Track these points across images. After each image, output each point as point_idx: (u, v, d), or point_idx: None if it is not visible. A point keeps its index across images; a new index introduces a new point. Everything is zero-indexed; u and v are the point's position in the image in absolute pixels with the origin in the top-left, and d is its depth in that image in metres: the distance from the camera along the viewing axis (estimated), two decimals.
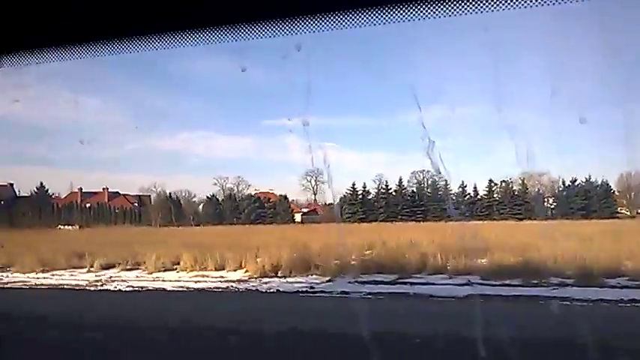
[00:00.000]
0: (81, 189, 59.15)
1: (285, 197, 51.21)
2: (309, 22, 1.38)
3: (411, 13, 1.29)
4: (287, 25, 1.40)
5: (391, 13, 1.30)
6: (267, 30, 1.40)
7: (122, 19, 1.52)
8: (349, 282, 10.84)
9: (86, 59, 1.59)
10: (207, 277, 13.07)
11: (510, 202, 48.49)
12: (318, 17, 1.36)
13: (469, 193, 49.36)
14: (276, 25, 1.39)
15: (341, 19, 1.34)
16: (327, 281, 11.40)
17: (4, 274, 15.43)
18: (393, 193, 49.75)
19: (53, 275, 15.04)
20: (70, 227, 54.22)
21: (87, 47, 1.58)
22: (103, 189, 59.51)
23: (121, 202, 59.39)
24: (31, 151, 62.28)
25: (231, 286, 11.68)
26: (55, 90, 53.28)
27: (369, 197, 50.27)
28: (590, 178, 46.32)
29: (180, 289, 11.79)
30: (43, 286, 12.76)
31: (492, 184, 48.98)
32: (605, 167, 53.03)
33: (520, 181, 50.17)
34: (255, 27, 1.41)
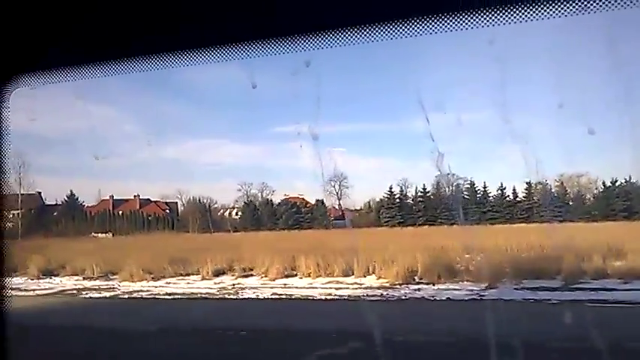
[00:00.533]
0: (112, 196, 58.85)
1: (322, 202, 50.82)
2: (319, 39, 1.38)
3: (419, 28, 1.29)
4: (296, 42, 1.40)
5: (399, 28, 1.31)
6: (276, 47, 1.41)
7: (133, 39, 1.54)
8: (515, 288, 10.44)
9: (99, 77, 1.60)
10: (341, 283, 12.69)
11: (550, 205, 48.00)
12: (328, 34, 1.37)
13: (507, 196, 48.87)
14: (285, 42, 1.41)
15: (350, 35, 1.35)
16: (487, 287, 11.00)
17: (112, 283, 15.08)
18: (431, 197, 49.24)
19: (168, 284, 14.68)
20: (103, 235, 53.99)
21: (99, 66, 1.60)
22: (134, 196, 59.30)
23: (153, 209, 59.11)
24: (43, 162, 61.62)
25: (384, 294, 11.29)
26: (70, 103, 53.28)
27: (407, 201, 49.73)
28: (630, 179, 45.82)
29: (331, 297, 11.40)
30: (176, 296, 12.38)
31: (531, 187, 48.50)
32: None
33: (557, 183, 49.74)
34: (263, 45, 1.43)
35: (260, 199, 53.61)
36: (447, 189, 52.92)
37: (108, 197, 58.83)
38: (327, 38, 1.38)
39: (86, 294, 13.20)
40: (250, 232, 43.12)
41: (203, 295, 12.61)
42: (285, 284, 13.58)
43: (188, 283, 14.83)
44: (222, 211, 59.02)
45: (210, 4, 1.44)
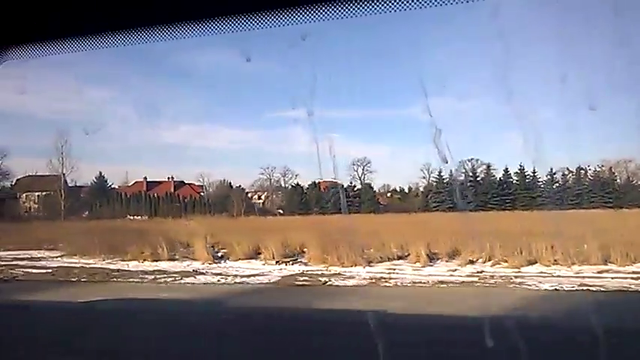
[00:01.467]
0: (145, 178, 57.20)
1: (370, 185, 49.95)
2: (314, 11, 1.37)
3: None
4: (292, 15, 1.38)
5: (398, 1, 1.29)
6: (272, 20, 1.39)
7: (126, 10, 1.51)
8: None
9: (92, 51, 1.60)
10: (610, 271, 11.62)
11: (601, 190, 47.77)
12: (323, 6, 1.35)
13: (557, 181, 48.47)
14: (281, 14, 1.38)
15: (346, 7, 1.33)
16: None
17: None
18: (481, 182, 48.68)
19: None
20: (139, 217, 52.42)
21: (91, 39, 1.57)
22: (168, 178, 57.87)
23: (187, 191, 57.77)
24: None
25: None
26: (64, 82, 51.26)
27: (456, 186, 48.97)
28: None
29: None
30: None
31: (581, 172, 48.17)
32: None
33: (599, 169, 49.65)
34: (259, 17, 1.40)
35: (283, 184, 53.32)
36: (470, 174, 52.69)
37: (142, 179, 57.05)
38: (322, 10, 1.35)
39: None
40: (310, 216, 41.79)
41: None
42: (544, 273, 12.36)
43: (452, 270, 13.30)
44: (250, 194, 57.92)
45: None
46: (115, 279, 12.11)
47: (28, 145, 63.80)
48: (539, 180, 49.23)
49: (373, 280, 11.39)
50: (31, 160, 59.61)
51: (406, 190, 54.38)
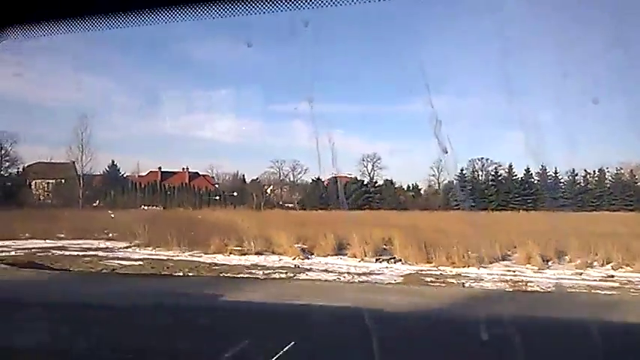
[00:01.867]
0: (160, 168, 56.23)
1: (391, 182, 49.58)
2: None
3: None
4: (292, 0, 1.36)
5: None
6: (271, 4, 1.37)
7: None
8: None
9: (91, 33, 1.57)
10: None
11: (622, 193, 47.82)
12: None
13: (579, 182, 48.47)
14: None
15: None
16: None
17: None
18: (503, 181, 48.50)
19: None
20: (153, 208, 51.54)
21: (89, 20, 1.54)
22: (183, 169, 56.98)
23: (202, 182, 57.05)
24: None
25: None
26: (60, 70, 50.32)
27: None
28: None
29: None
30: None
31: (603, 174, 48.20)
32: None
33: (617, 172, 49.79)
34: (257, 2, 1.38)
35: (292, 178, 53.21)
36: (480, 173, 52.57)
37: (156, 169, 56.06)
38: None
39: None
40: (334, 212, 41.11)
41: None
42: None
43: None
44: (265, 187, 57.25)
45: None
46: (224, 273, 11.48)
47: (35, 131, 62.26)
48: (561, 181, 49.11)
49: (512, 284, 10.92)
50: (37, 147, 57.83)
51: (419, 188, 53.82)
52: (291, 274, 11.25)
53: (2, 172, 57.91)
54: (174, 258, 13.79)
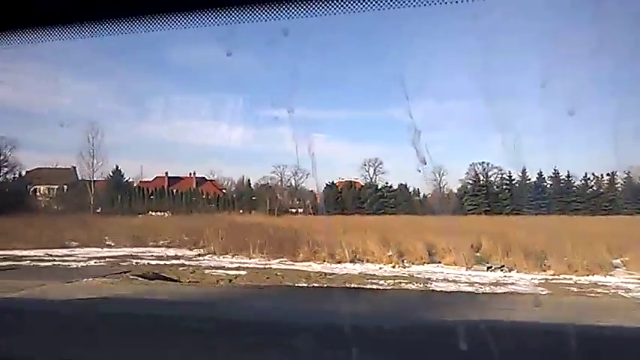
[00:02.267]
0: (167, 173, 55.19)
1: (405, 186, 49.25)
2: (298, 7, 1.38)
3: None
4: (276, 10, 1.40)
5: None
6: (255, 14, 1.42)
7: (102, 1, 1.52)
8: None
9: (80, 40, 1.60)
10: None
11: (633, 196, 48.27)
12: (306, 3, 1.36)
13: (592, 187, 48.81)
14: (265, 9, 1.40)
15: (330, 4, 1.35)
16: None
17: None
18: (517, 185, 48.57)
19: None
20: (160, 214, 50.40)
21: (74, 28, 1.56)
22: (190, 174, 55.99)
23: (209, 188, 56.08)
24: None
25: None
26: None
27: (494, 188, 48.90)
28: None
29: None
30: None
31: (614, 177, 48.63)
32: None
33: (625, 175, 50.38)
34: (242, 10, 1.42)
35: (294, 182, 52.89)
36: (483, 178, 52.71)
37: (163, 174, 54.93)
38: (306, 6, 1.36)
39: None
40: (349, 216, 40.44)
41: None
42: None
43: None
44: (276, 192, 56.42)
45: None
46: (347, 283, 10.66)
47: (38, 137, 60.60)
48: (574, 184, 49.41)
49: None
50: (40, 153, 56.33)
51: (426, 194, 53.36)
52: (420, 285, 10.53)
53: (1, 178, 56.21)
54: (273, 267, 12.97)
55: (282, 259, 14.36)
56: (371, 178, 53.46)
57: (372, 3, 1.29)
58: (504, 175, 49.72)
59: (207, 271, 11.82)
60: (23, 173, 51.56)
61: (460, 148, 59.47)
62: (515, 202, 48.29)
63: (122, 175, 54.17)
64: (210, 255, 15.69)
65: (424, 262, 14.12)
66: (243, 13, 1.40)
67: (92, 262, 13.31)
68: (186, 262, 13.79)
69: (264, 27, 1.43)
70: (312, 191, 54.72)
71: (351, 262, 13.83)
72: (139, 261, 13.92)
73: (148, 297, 6.92)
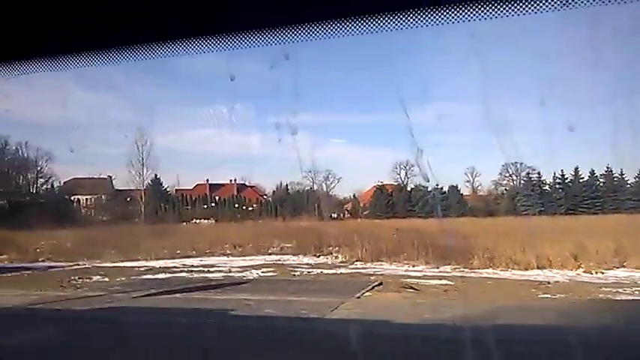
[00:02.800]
0: (208, 180, 54.07)
1: (456, 187, 48.04)
2: (301, 31, 1.41)
3: (401, 21, 1.30)
4: (278, 35, 1.43)
5: (380, 21, 1.32)
6: (258, 40, 1.44)
7: (113, 30, 1.55)
8: None
9: (81, 69, 1.65)
10: None
11: None
12: (310, 26, 1.39)
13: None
14: (267, 34, 1.43)
15: (332, 27, 1.37)
16: None
17: None
18: (570, 184, 47.30)
19: None
20: (206, 221, 49.49)
21: (82, 57, 1.60)
22: (231, 181, 54.84)
23: (250, 194, 54.76)
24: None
25: None
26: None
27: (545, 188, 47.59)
28: None
29: None
30: None
31: None
32: None
33: None
34: (245, 36, 1.45)
35: (325, 188, 52.55)
36: (514, 178, 51.55)
37: (204, 182, 53.82)
38: (309, 30, 1.39)
39: None
40: (417, 220, 39.22)
41: None
42: None
43: None
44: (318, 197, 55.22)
45: None
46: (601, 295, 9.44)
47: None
48: (628, 183, 48.14)
49: None
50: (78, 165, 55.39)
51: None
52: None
53: (37, 189, 55.43)
54: (467, 275, 11.75)
55: (455, 267, 13.11)
56: (402, 181, 52.47)
57: (371, 26, 1.29)
58: (569, 175, 48.77)
59: (416, 281, 10.62)
60: (57, 184, 50.74)
61: (488, 149, 58.02)
62: (569, 202, 47.01)
63: (161, 184, 53.22)
64: (359, 262, 14.45)
65: (613, 267, 12.85)
66: (248, 38, 1.42)
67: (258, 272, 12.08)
68: (362, 271, 12.58)
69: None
70: (354, 196, 53.78)
71: (538, 268, 12.57)
72: (311, 270, 12.68)
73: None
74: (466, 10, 1.20)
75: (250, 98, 51.45)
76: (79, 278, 12.69)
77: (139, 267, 13.62)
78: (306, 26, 1.35)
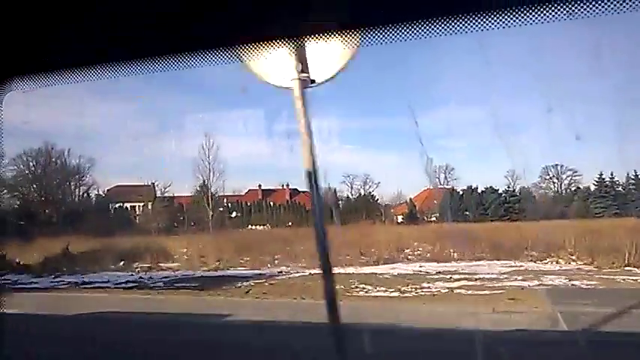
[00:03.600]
0: (260, 186, 51.69)
1: (529, 191, 45.78)
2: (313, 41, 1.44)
3: (406, 32, 1.33)
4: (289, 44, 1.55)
5: (384, 33, 1.35)
6: (270, 49, 1.46)
7: (127, 43, 1.57)
8: None
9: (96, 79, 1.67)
10: None
11: None
12: (322, 36, 1.42)
13: None
14: (279, 43, 1.45)
15: (346, 38, 1.40)
16: None
17: None
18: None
19: None
20: (261, 227, 47.40)
21: (97, 69, 1.63)
22: (282, 186, 52.49)
23: (303, 199, 52.11)
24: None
25: None
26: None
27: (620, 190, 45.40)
28: None
29: None
30: None
31: None
32: None
33: None
34: (258, 46, 1.47)
35: (363, 192, 50.93)
36: (555, 181, 49.70)
37: (256, 187, 51.49)
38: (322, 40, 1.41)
39: None
40: (498, 223, 36.86)
41: None
42: None
43: None
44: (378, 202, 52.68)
45: (205, 6, 1.47)
46: None
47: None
48: None
49: None
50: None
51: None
52: None
53: (80, 197, 53.08)
54: None
55: None
56: (442, 185, 50.48)
57: (379, 37, 1.32)
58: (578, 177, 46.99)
59: None
60: (96, 192, 48.35)
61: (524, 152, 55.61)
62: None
63: (208, 190, 50.81)
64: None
65: None
66: (258, 48, 1.43)
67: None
68: None
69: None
70: (410, 199, 51.46)
71: None
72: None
73: None
74: (475, 19, 1.23)
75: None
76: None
77: (382, 273, 11.56)
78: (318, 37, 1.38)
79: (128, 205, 50.04)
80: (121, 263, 21.43)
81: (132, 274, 19.97)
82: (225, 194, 51.73)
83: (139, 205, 49.82)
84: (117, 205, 49.72)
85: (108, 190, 50.15)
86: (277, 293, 12.32)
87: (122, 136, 55.26)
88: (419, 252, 16.17)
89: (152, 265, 21.23)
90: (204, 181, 44.46)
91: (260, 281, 14.82)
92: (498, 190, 46.08)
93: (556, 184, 50.41)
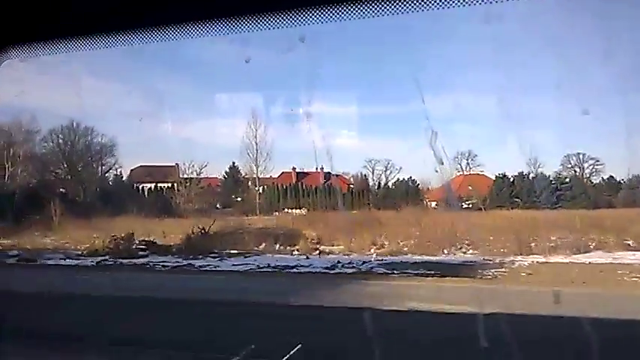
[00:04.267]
0: (294, 168, 48.98)
1: (577, 177, 43.39)
2: (315, 14, 1.37)
3: (416, 4, 1.27)
4: (292, 17, 1.38)
5: (395, 4, 1.29)
6: (272, 21, 1.40)
7: (129, 12, 1.51)
8: None
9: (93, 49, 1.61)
10: None
11: None
12: (324, 9, 1.36)
13: None
14: (281, 16, 1.39)
15: (346, 10, 1.34)
16: None
17: None
18: None
19: None
20: (297, 211, 45.27)
21: (96, 39, 1.59)
22: (316, 169, 49.66)
23: (337, 182, 49.36)
24: None
25: None
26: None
27: None
28: None
29: None
30: None
31: None
32: None
33: None
34: (260, 18, 1.41)
35: (385, 178, 50.04)
36: (576, 170, 47.75)
37: (290, 169, 48.76)
38: (323, 13, 1.34)
39: None
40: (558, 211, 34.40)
41: None
42: None
43: None
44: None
45: None
46: None
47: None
48: None
49: None
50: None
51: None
52: None
53: (103, 176, 50.35)
54: None
55: None
56: (463, 171, 48.41)
57: (386, 9, 1.27)
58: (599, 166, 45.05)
59: None
60: (117, 172, 46.49)
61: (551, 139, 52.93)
62: None
63: (239, 172, 48.23)
64: None
65: None
66: (261, 20, 1.39)
67: None
68: None
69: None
70: (443, 185, 49.13)
71: None
72: None
73: None
74: None
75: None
76: None
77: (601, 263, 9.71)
78: (321, 9, 1.32)
79: (151, 185, 47.38)
80: (262, 246, 19.98)
81: (307, 257, 18.84)
82: (275, 176, 49.18)
83: (159, 186, 47.14)
84: (140, 186, 47.17)
85: (132, 170, 47.58)
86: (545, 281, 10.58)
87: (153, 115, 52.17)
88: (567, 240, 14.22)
89: (303, 249, 19.37)
90: (177, 165, 42.19)
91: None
92: (550, 176, 43.73)
93: (577, 173, 48.24)
